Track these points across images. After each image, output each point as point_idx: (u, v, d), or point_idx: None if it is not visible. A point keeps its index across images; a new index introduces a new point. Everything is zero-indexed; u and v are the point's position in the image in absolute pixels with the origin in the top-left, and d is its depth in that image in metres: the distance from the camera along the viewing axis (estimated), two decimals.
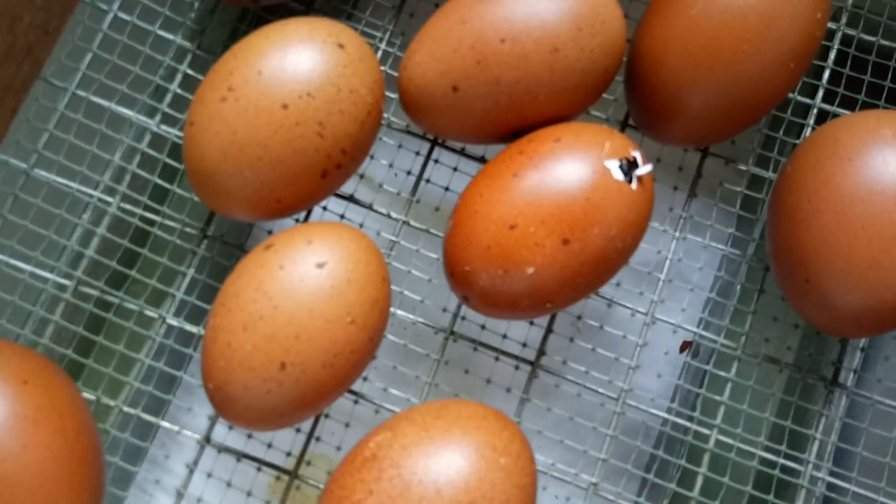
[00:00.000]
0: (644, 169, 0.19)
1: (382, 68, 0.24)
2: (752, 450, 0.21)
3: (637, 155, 0.19)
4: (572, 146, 0.19)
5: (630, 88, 0.22)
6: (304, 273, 0.18)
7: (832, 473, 0.22)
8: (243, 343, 0.18)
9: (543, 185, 0.18)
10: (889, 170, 0.19)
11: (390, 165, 0.26)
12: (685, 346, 0.27)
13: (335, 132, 0.19)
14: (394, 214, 0.23)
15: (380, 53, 0.24)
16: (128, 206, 0.22)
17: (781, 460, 0.21)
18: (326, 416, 0.25)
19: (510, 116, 0.20)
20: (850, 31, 0.25)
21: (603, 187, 0.18)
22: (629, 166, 0.19)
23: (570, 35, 0.19)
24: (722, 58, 0.20)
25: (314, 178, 0.19)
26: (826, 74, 0.24)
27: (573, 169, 0.19)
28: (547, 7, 0.19)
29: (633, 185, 0.19)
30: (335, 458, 0.25)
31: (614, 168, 0.19)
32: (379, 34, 0.24)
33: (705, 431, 0.22)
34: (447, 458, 0.17)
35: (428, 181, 0.25)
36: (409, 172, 0.26)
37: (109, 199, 0.22)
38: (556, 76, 0.20)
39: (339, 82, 0.19)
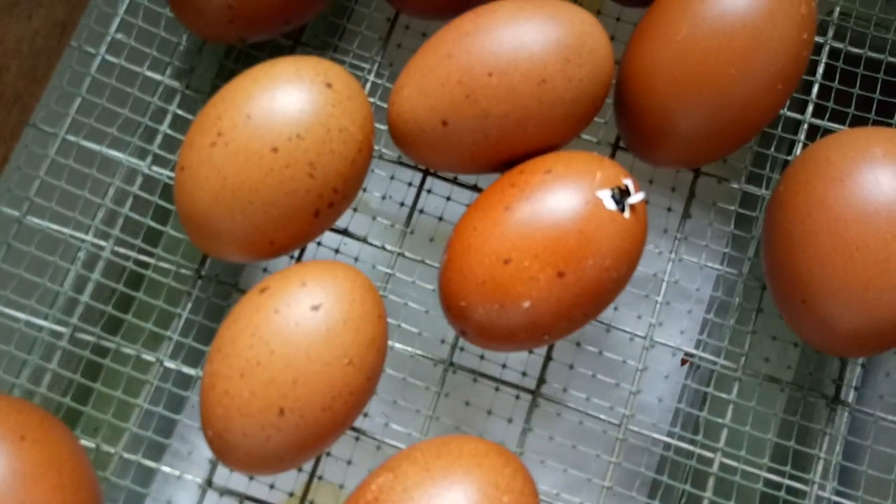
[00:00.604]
0: (636, 197, 0.19)
1: (371, 100, 0.24)
2: (756, 471, 0.21)
3: (629, 183, 0.19)
4: (563, 177, 0.19)
5: (619, 113, 0.22)
6: (299, 316, 0.18)
7: (838, 493, 0.22)
8: (241, 390, 0.17)
9: (536, 217, 0.18)
10: (881, 189, 0.19)
11: (383, 197, 0.26)
12: (685, 360, 0.27)
13: (326, 172, 0.19)
14: (388, 246, 0.23)
15: (368, 85, 0.24)
16: (121, 250, 0.22)
17: (786, 481, 0.21)
18: (328, 454, 0.24)
19: (500, 148, 0.20)
20: (838, 45, 0.25)
21: (596, 218, 0.18)
22: (621, 195, 0.19)
23: (558, 66, 0.19)
24: (709, 82, 0.20)
25: (306, 218, 0.19)
26: (815, 89, 0.24)
27: (565, 200, 0.19)
28: (533, 39, 0.19)
29: (626, 214, 0.19)
30: (339, 495, 0.25)
31: (606, 198, 0.19)
32: (367, 66, 0.24)
33: (709, 455, 0.21)
34: (449, 499, 0.17)
35: (421, 212, 0.25)
36: (402, 203, 0.26)
37: (103, 243, 0.22)
38: (545, 108, 0.20)
39: (328, 122, 0.19)
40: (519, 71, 0.19)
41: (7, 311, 0.22)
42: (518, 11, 0.20)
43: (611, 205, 0.18)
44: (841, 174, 0.19)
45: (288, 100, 0.19)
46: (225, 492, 0.21)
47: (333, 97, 0.19)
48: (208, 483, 0.21)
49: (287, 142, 0.18)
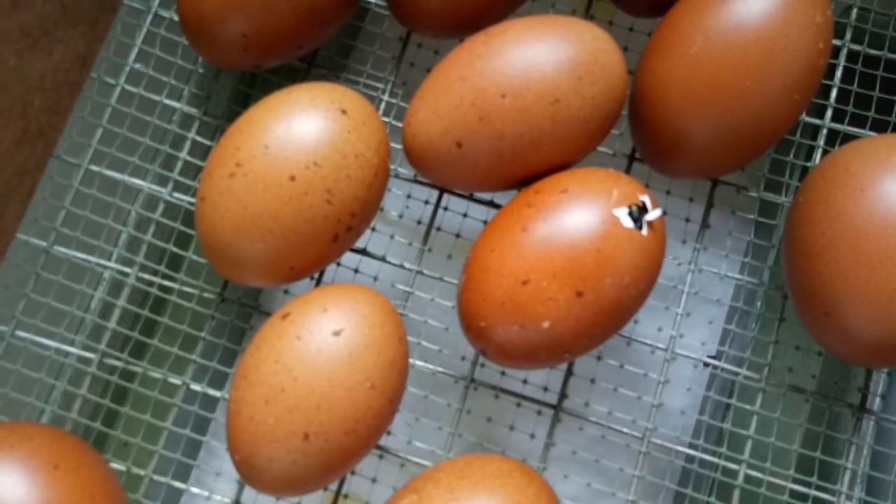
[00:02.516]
0: (653, 214, 0.19)
1: (386, 119, 0.24)
2: (782, 482, 0.21)
3: (646, 199, 0.19)
4: (579, 196, 0.19)
5: (635, 126, 0.22)
6: (321, 342, 0.18)
7: (865, 503, 0.21)
8: (266, 416, 0.18)
9: (553, 238, 0.18)
10: None
11: (400, 216, 0.26)
12: (708, 362, 0.27)
13: (343, 197, 0.19)
14: (407, 265, 0.23)
15: (383, 105, 0.24)
16: (146, 276, 0.23)
17: (813, 492, 0.21)
18: (353, 472, 0.25)
19: (515, 167, 0.20)
20: (856, 47, 0.24)
21: (613, 237, 0.18)
22: (639, 212, 0.19)
23: (571, 85, 0.19)
24: (724, 95, 0.20)
25: (325, 243, 0.20)
26: (833, 93, 0.24)
27: (582, 220, 0.19)
28: (546, 59, 0.19)
29: (644, 231, 0.19)
30: None
31: (623, 216, 0.19)
32: (381, 85, 0.25)
33: (734, 467, 0.21)
34: None
35: (439, 229, 0.25)
36: (419, 221, 0.26)
37: (128, 269, 0.23)
38: (559, 127, 0.20)
39: (344, 148, 0.19)
40: (532, 91, 0.19)
41: (37, 339, 0.22)
42: (529, 31, 0.20)
43: (628, 223, 0.18)
44: (862, 185, 0.19)
45: (304, 128, 0.19)
46: None
47: (349, 123, 0.19)
48: (236, 503, 0.21)
49: (304, 170, 0.19)
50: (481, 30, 0.21)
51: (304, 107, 0.19)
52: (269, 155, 0.19)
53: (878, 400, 0.22)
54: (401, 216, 0.26)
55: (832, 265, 0.19)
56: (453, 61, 0.20)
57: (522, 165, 0.20)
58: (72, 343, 0.22)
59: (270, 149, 0.19)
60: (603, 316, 0.19)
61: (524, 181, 0.21)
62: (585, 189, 0.19)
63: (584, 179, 0.19)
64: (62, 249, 0.23)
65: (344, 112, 0.19)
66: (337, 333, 0.18)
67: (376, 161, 0.20)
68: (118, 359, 0.22)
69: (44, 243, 0.23)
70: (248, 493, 0.24)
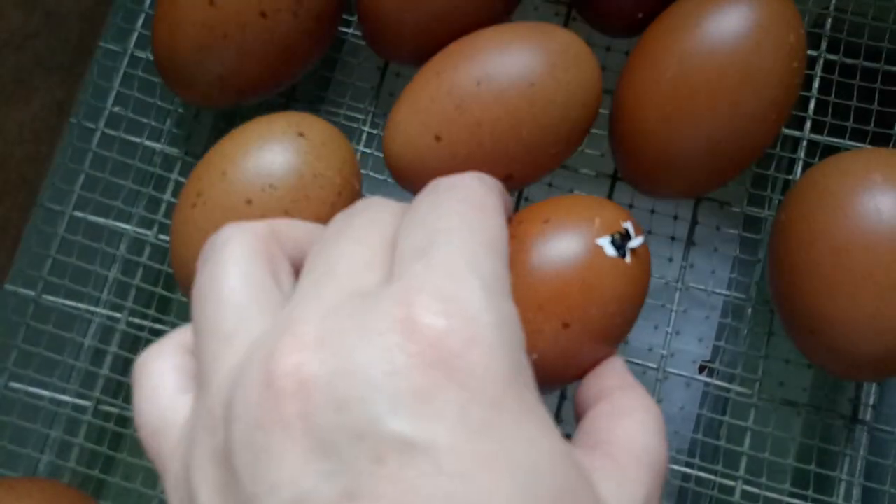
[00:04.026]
0: (636, 241, 0.19)
1: (367, 150, 0.24)
2: (778, 497, 0.21)
3: (629, 226, 0.19)
4: (562, 225, 0.19)
5: (615, 148, 0.22)
6: None
7: None
8: None
9: (537, 270, 0.19)
10: (882, 218, 0.19)
11: None
12: (702, 368, 0.27)
13: (303, 217, 0.19)
14: None
15: (364, 136, 0.24)
16: (136, 320, 0.23)
17: None
18: None
19: (497, 158, 0.20)
20: (832, 57, 0.25)
21: (597, 266, 0.18)
22: (622, 240, 0.19)
23: (545, 69, 0.19)
24: (701, 118, 0.20)
25: None
26: (812, 104, 0.24)
27: (565, 250, 0.19)
28: (519, 47, 0.20)
29: (628, 259, 0.19)
30: None
31: (606, 245, 0.19)
32: (362, 116, 0.25)
33: (730, 483, 0.22)
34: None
35: None
36: None
37: (117, 314, 0.23)
38: (537, 109, 0.19)
39: (301, 169, 0.19)
40: (507, 76, 0.19)
41: (31, 389, 0.22)
42: (501, 29, 0.20)
43: (611, 251, 0.19)
44: (841, 202, 0.19)
45: (259, 153, 0.19)
46: None
47: (306, 145, 0.19)
48: None
49: (261, 192, 0.19)
50: None
51: (260, 133, 0.19)
52: (226, 181, 0.19)
53: (870, 410, 0.22)
54: None
55: (816, 283, 0.19)
56: (429, 64, 0.20)
57: (503, 156, 0.20)
58: (65, 392, 0.22)
59: (227, 174, 0.19)
60: (590, 345, 0.19)
61: (508, 177, 0.21)
62: (568, 218, 0.19)
63: (567, 209, 0.19)
64: (51, 298, 0.23)
65: (301, 134, 0.20)
66: None
67: (339, 181, 0.20)
68: (113, 405, 0.22)
69: (32, 293, 0.23)
70: None
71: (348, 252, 0.12)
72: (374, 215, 0.13)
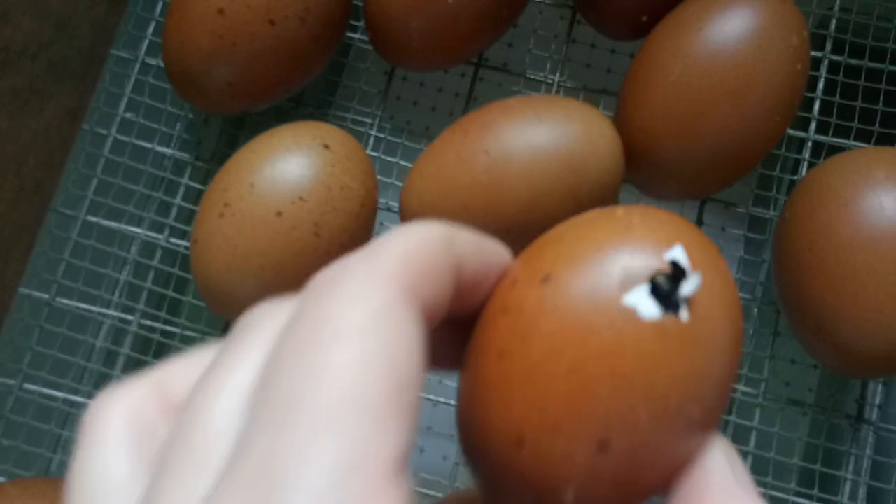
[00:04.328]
0: (692, 284, 0.10)
1: (375, 154, 0.24)
2: (784, 496, 0.21)
3: (678, 257, 0.11)
4: (568, 285, 0.11)
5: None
6: None
7: None
8: None
9: (541, 368, 0.10)
10: (885, 214, 0.19)
11: None
12: None
13: (331, 229, 0.19)
14: None
15: (371, 140, 0.25)
16: (147, 322, 0.23)
17: None
18: None
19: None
20: (836, 58, 0.25)
21: (632, 342, 0.10)
22: (670, 284, 0.10)
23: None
24: (705, 121, 0.20)
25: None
26: (816, 105, 0.24)
27: (577, 328, 0.10)
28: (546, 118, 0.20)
29: (683, 315, 0.10)
30: None
31: (642, 301, 0.10)
32: (369, 120, 0.25)
33: None
34: None
35: None
36: None
37: (129, 317, 0.23)
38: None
39: (328, 181, 0.20)
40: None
41: (45, 390, 0.23)
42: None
43: (651, 310, 0.10)
44: (845, 200, 0.19)
45: (288, 165, 0.19)
46: None
47: (332, 157, 0.20)
48: None
49: (290, 205, 0.19)
50: (462, 61, 0.21)
51: (287, 145, 0.20)
52: (255, 193, 0.19)
53: (875, 410, 0.22)
54: None
55: (821, 280, 0.19)
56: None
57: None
58: (77, 392, 0.23)
59: (256, 187, 0.19)
60: (652, 459, 0.11)
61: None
62: (576, 270, 0.11)
63: (571, 251, 0.11)
64: (64, 301, 0.23)
65: (327, 147, 0.20)
66: None
67: (362, 192, 0.20)
68: None
69: (46, 296, 0.23)
70: None
71: (191, 446, 0.09)
72: (234, 359, 0.09)
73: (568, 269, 0.11)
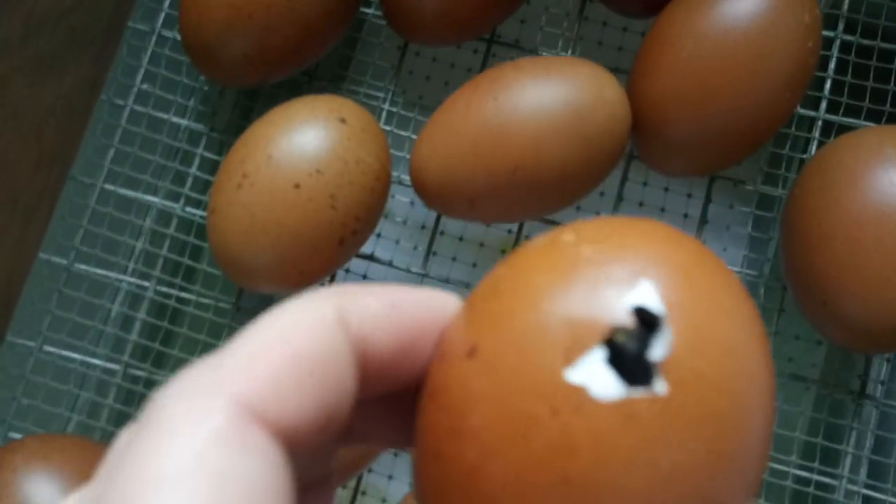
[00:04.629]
0: (663, 340, 0.07)
1: (388, 128, 0.25)
2: (785, 469, 0.22)
3: (644, 300, 0.08)
4: (498, 363, 0.08)
5: (630, 127, 0.23)
6: None
7: (868, 486, 0.22)
8: None
9: (478, 472, 0.08)
10: (895, 191, 0.19)
11: (404, 222, 0.27)
12: None
13: (347, 202, 0.20)
14: (413, 269, 0.24)
15: (384, 114, 0.25)
16: (163, 289, 0.24)
17: (815, 476, 0.22)
18: (370, 470, 0.26)
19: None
20: (849, 38, 0.25)
21: (586, 431, 0.07)
22: (636, 343, 0.07)
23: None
24: (716, 97, 0.20)
25: (332, 247, 0.20)
26: (828, 85, 0.24)
27: (513, 420, 0.08)
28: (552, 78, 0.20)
29: (659, 388, 0.07)
30: None
31: (595, 375, 0.07)
32: (381, 94, 0.25)
33: None
34: None
35: (442, 233, 0.25)
36: (423, 226, 0.27)
37: (146, 283, 0.24)
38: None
39: (345, 155, 0.20)
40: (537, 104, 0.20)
41: (63, 352, 0.23)
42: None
43: (609, 387, 0.07)
44: (855, 176, 0.19)
45: (305, 138, 0.20)
46: None
47: (348, 131, 0.20)
48: None
49: (308, 177, 0.19)
50: (475, 37, 0.21)
51: (304, 118, 0.20)
52: (272, 165, 0.20)
53: (879, 386, 0.23)
54: (405, 222, 0.27)
55: (828, 255, 0.20)
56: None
57: None
58: (95, 355, 0.23)
59: (274, 159, 0.20)
60: None
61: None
62: (505, 337, 0.08)
63: (501, 308, 0.08)
64: (82, 266, 0.24)
65: (343, 121, 0.20)
66: None
67: (377, 166, 0.20)
68: (141, 369, 0.23)
69: (64, 261, 0.24)
70: None
71: None
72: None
73: (497, 335, 0.08)
